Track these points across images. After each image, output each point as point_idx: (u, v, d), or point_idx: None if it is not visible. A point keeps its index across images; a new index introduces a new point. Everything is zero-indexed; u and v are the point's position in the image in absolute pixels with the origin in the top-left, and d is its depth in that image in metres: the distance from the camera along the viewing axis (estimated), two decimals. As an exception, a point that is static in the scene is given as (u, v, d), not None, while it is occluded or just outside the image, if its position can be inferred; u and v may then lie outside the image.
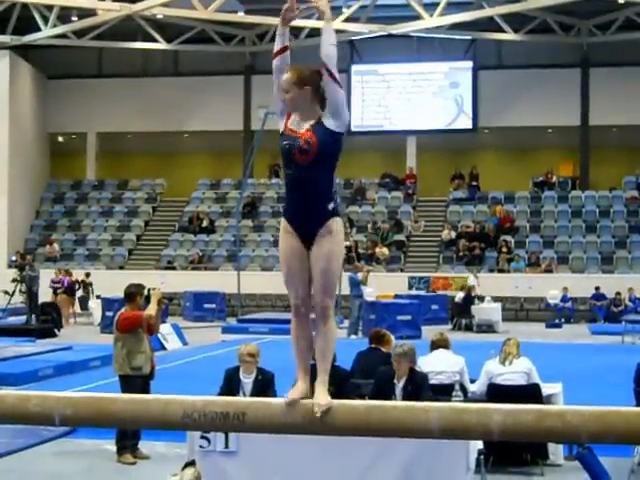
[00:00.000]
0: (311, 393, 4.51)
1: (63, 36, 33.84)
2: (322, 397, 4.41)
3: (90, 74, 37.68)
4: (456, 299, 27.43)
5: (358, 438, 5.14)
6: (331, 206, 4.50)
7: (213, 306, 28.59)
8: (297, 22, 33.52)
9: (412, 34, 34.07)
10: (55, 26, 32.76)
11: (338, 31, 33.45)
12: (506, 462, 9.26)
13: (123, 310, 10.25)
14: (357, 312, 24.31)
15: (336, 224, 4.51)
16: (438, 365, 10.11)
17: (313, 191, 4.53)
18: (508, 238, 33.09)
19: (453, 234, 33.51)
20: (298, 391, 4.51)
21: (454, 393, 9.97)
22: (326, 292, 4.54)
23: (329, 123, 4.53)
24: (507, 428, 4.22)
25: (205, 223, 35.23)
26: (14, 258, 27.70)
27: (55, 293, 28.05)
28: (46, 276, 27.41)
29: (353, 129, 35.74)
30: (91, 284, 29.38)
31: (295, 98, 4.57)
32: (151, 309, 9.97)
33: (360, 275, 24.69)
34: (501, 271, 31.44)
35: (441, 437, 4.43)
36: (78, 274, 29.77)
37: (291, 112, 4.63)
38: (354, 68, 35.74)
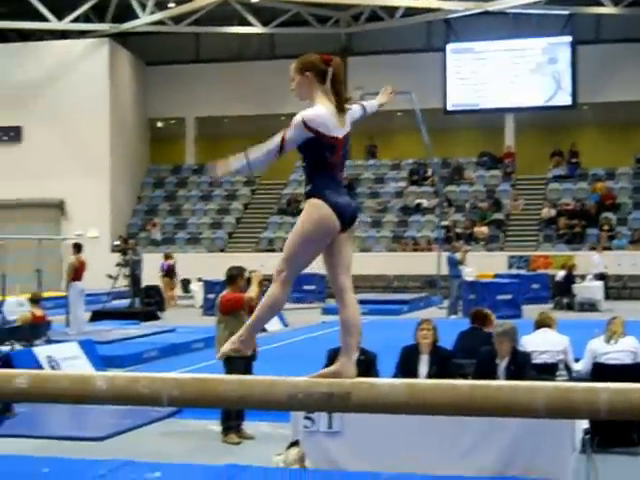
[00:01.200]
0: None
1: (161, 22, 34.32)
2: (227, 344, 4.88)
3: (187, 59, 38.08)
4: (557, 278, 27.06)
5: (460, 418, 5.13)
6: (307, 189, 4.63)
7: (312, 287, 28.70)
8: (392, 2, 33.46)
9: (508, 10, 33.63)
10: (152, 13, 33.26)
11: (434, 10, 33.33)
12: (613, 442, 9.09)
13: (225, 292, 10.36)
14: (456, 292, 24.20)
15: (306, 204, 4.61)
16: (542, 344, 10.02)
17: None
18: (610, 215, 32.51)
19: (553, 212, 33.05)
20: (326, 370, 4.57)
21: (558, 372, 9.87)
22: (282, 258, 4.59)
23: None
24: (614, 407, 4.15)
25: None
26: (117, 243, 28.12)
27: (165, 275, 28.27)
28: (150, 261, 27.74)
29: (450, 108, 35.49)
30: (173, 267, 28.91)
31: (296, 85, 4.59)
32: (252, 291, 10.01)
33: (458, 255, 24.54)
34: (603, 249, 30.86)
35: (547, 416, 4.39)
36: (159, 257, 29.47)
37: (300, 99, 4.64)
38: (450, 47, 35.42)
